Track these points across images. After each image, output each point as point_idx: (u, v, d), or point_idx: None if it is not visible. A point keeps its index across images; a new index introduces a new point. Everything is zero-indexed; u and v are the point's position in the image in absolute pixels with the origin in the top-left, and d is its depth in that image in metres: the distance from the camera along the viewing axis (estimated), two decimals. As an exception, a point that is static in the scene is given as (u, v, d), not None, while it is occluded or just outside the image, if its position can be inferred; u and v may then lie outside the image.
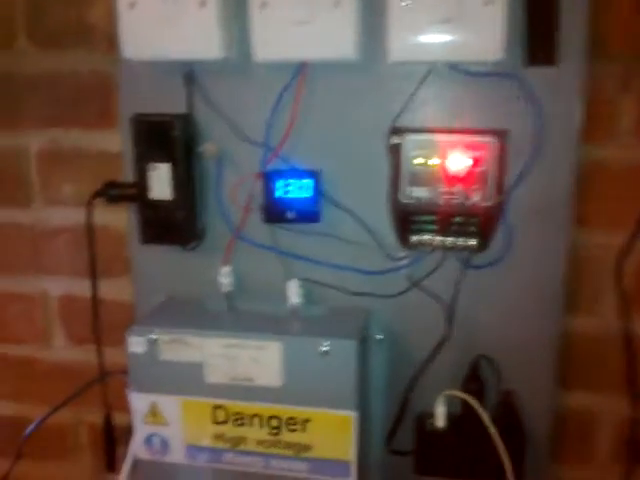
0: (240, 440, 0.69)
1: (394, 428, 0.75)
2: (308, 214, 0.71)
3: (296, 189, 0.70)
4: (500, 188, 0.65)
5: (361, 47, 0.65)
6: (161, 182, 0.69)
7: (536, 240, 0.69)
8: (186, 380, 0.67)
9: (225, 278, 0.72)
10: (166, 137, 0.69)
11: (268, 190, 0.70)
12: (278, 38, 0.64)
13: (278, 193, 0.70)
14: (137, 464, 0.74)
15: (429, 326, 0.72)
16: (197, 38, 0.65)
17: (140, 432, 0.70)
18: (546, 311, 0.71)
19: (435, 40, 0.61)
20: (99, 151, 0.78)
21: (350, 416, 0.66)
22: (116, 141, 0.75)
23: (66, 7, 0.75)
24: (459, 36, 0.61)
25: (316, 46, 0.64)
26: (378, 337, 0.73)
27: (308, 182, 0.70)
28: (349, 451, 0.67)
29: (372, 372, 0.73)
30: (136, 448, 0.71)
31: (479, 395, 0.70)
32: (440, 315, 0.71)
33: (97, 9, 0.75)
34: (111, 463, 0.83)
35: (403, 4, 0.60)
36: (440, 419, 0.70)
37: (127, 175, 0.72)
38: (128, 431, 0.74)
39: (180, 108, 0.70)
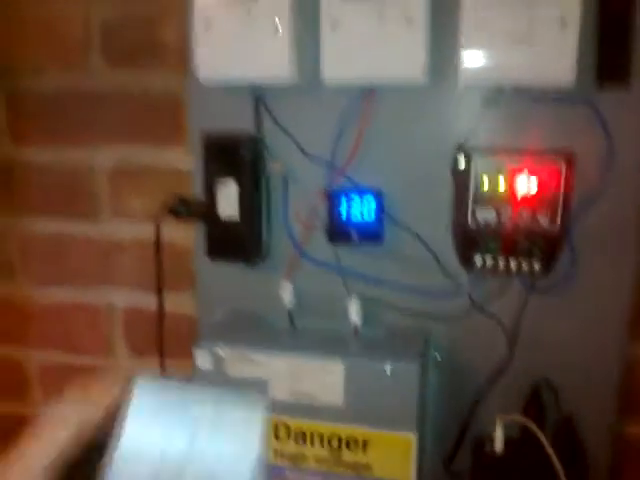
0: (300, 457, 0.69)
1: (454, 450, 0.74)
2: (371, 234, 0.71)
3: (360, 209, 0.71)
4: (567, 212, 0.65)
5: (430, 69, 0.66)
6: (229, 200, 0.71)
7: (601, 266, 0.68)
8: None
9: (287, 295, 0.73)
10: (235, 156, 0.70)
11: (332, 209, 0.71)
12: (348, 59, 0.66)
13: (342, 213, 0.71)
14: None
15: (490, 349, 0.72)
16: (269, 61, 0.67)
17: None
18: (609, 337, 0.70)
19: (506, 62, 0.61)
20: (167, 168, 0.81)
21: (410, 438, 0.66)
22: (184, 158, 0.78)
23: (139, 27, 0.78)
24: (531, 59, 0.61)
25: (385, 68, 0.65)
26: (437, 359, 0.73)
27: (372, 202, 0.71)
28: (409, 472, 0.67)
29: (430, 394, 0.73)
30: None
31: (539, 420, 0.69)
32: (501, 338, 0.71)
33: (169, 29, 0.78)
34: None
35: (481, 17, 0.60)
36: (499, 443, 0.70)
37: (194, 191, 0.75)
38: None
39: (248, 127, 0.72)
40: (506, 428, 0.69)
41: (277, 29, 0.65)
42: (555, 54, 0.60)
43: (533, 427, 0.67)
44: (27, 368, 0.95)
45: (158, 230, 0.73)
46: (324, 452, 0.68)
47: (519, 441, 0.70)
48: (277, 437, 0.69)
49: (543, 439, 0.67)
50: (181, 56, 0.75)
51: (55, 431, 0.30)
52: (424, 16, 0.62)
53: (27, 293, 0.92)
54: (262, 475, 0.24)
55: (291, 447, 0.69)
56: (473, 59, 0.62)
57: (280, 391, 0.67)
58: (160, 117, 0.80)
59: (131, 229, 0.84)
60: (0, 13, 0.83)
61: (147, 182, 0.82)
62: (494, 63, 0.62)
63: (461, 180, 0.66)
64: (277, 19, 0.65)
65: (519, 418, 0.68)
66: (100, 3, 0.79)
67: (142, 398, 0.24)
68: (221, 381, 0.67)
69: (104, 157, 0.83)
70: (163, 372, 0.79)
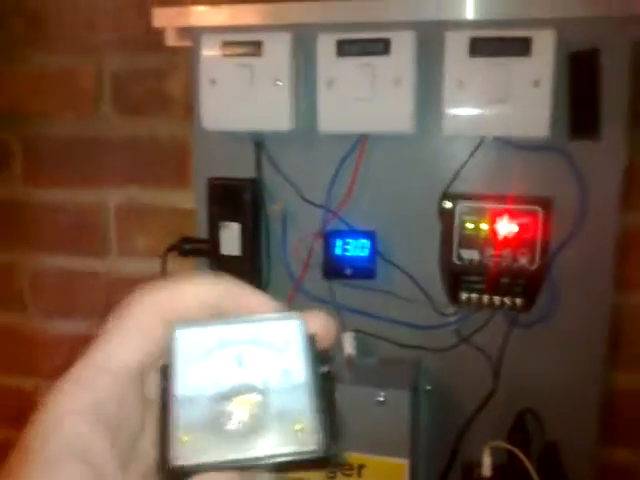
0: (298, 482, 0.73)
1: (444, 475, 0.78)
2: (364, 271, 0.76)
3: (353, 248, 0.76)
4: (545, 252, 0.70)
5: (416, 121, 0.71)
6: (231, 239, 0.76)
7: (580, 300, 0.73)
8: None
9: (286, 328, 0.78)
10: (237, 199, 0.76)
11: (328, 248, 0.76)
12: (341, 113, 0.71)
13: (337, 251, 0.76)
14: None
15: (476, 379, 0.76)
16: (269, 112, 0.73)
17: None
18: (590, 368, 0.74)
19: (486, 117, 0.67)
20: (173, 208, 0.86)
21: (403, 463, 0.70)
22: (189, 200, 0.83)
23: (147, 80, 0.84)
24: (509, 114, 0.67)
25: (376, 121, 0.71)
26: (427, 388, 0.78)
27: (364, 242, 0.76)
28: (401, 497, 0.71)
29: (421, 421, 0.77)
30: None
31: (524, 446, 0.73)
32: (487, 369, 0.75)
33: (174, 82, 0.84)
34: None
35: (462, 77, 0.66)
36: (487, 469, 0.74)
37: (198, 231, 0.80)
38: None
39: (249, 172, 0.78)
40: (493, 454, 0.73)
41: (277, 84, 0.71)
42: (530, 110, 0.66)
43: (519, 453, 0.71)
44: (36, 396, 0.99)
45: (164, 266, 0.78)
46: (321, 477, 0.72)
47: (506, 467, 0.74)
48: (276, 464, 0.73)
49: (528, 465, 0.71)
50: (186, 106, 0.81)
51: (144, 321, 0.24)
52: (412, 76, 0.68)
53: (37, 324, 0.96)
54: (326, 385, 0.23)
55: (290, 473, 0.73)
56: (455, 113, 0.68)
57: (279, 420, 0.71)
58: (166, 162, 0.85)
59: (137, 265, 0.89)
60: (18, 65, 0.89)
61: (153, 222, 0.87)
62: (474, 117, 0.68)
63: (447, 222, 0.72)
64: (278, 75, 0.71)
65: (505, 445, 0.73)
66: (111, 57, 0.85)
67: (184, 344, 0.23)
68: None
69: (113, 198, 0.88)
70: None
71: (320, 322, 0.24)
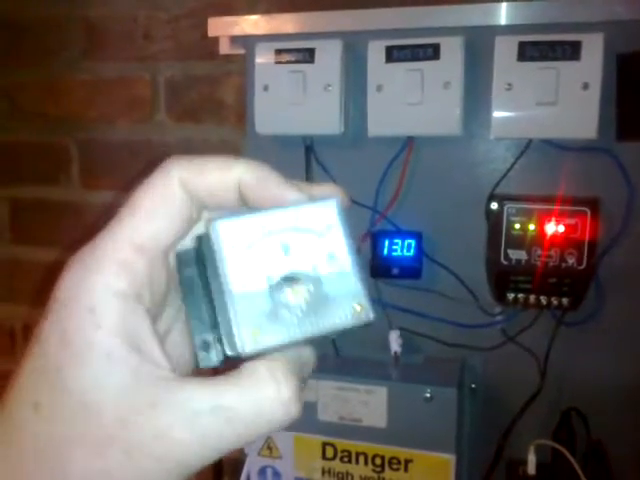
0: (346, 475, 0.75)
1: (488, 473, 0.80)
2: (410, 270, 0.78)
3: (400, 248, 0.78)
4: (593, 252, 0.71)
5: (464, 124, 0.73)
6: (282, 240, 0.79)
7: (627, 300, 0.73)
8: (301, 417, 0.74)
9: (334, 326, 0.80)
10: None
11: (375, 248, 0.78)
12: (390, 117, 0.74)
13: (384, 251, 0.78)
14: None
15: (522, 378, 0.77)
16: (320, 116, 0.75)
17: (254, 464, 0.78)
18: (636, 367, 0.74)
19: (534, 119, 0.69)
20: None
21: (449, 459, 0.71)
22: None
23: (200, 87, 0.88)
24: (557, 116, 0.68)
25: (425, 124, 0.73)
26: (472, 386, 0.79)
27: (411, 242, 0.78)
28: (448, 492, 0.72)
29: (466, 419, 0.79)
30: (251, 478, 0.79)
31: (569, 445, 0.74)
32: (533, 368, 0.76)
33: (227, 89, 0.87)
34: (219, 492, 0.91)
35: (510, 80, 0.68)
36: (532, 467, 0.74)
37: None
38: (235, 463, 0.82)
39: (299, 175, 0.80)
40: (538, 453, 0.74)
41: (328, 89, 0.74)
42: (579, 113, 0.67)
43: (564, 451, 0.72)
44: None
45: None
46: (368, 471, 0.74)
47: (550, 465, 0.74)
48: (325, 457, 0.75)
49: (574, 462, 0.71)
50: (238, 112, 0.84)
51: (171, 197, 0.23)
52: (460, 80, 0.70)
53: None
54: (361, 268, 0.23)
55: (338, 466, 0.75)
56: (503, 116, 0.69)
57: (327, 414, 0.74)
58: (218, 165, 0.88)
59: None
60: (76, 73, 0.93)
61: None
62: (522, 119, 0.69)
63: (494, 223, 0.73)
64: (329, 80, 0.74)
65: (551, 443, 0.73)
66: (166, 65, 0.89)
67: (225, 237, 0.22)
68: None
69: (167, 200, 0.92)
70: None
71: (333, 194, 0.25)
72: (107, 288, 0.21)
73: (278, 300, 0.22)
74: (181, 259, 0.24)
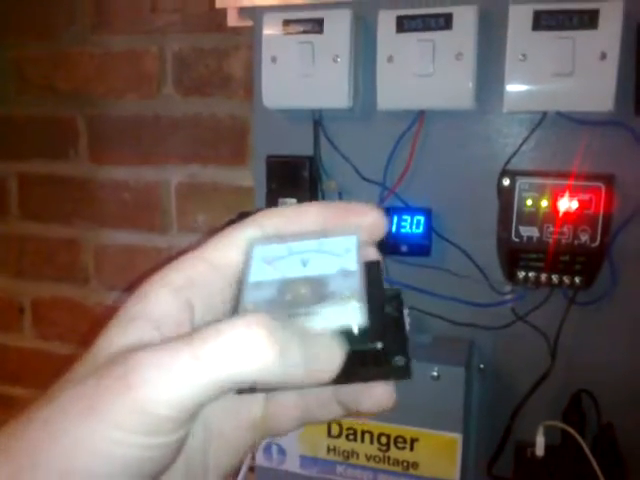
0: (351, 454, 0.75)
1: (496, 454, 0.78)
2: (419, 248, 0.77)
3: (409, 225, 0.76)
4: (607, 229, 0.69)
5: (477, 97, 0.71)
6: (289, 215, 0.78)
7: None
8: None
9: (341, 303, 0.79)
10: (296, 176, 0.77)
11: (383, 225, 0.77)
12: (401, 89, 0.72)
13: (393, 228, 0.77)
14: (253, 470, 0.81)
15: (532, 358, 0.76)
16: (329, 89, 0.74)
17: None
18: (648, 349, 0.73)
19: (549, 91, 0.67)
20: (232, 186, 0.88)
21: (456, 438, 0.70)
22: (248, 177, 0.85)
23: (208, 60, 0.87)
24: (572, 88, 0.66)
25: (436, 97, 0.71)
26: (481, 366, 0.78)
27: (420, 219, 0.76)
28: (454, 471, 0.71)
29: (474, 399, 0.77)
30: (256, 456, 0.79)
31: (579, 427, 0.72)
32: (543, 348, 0.75)
33: (235, 62, 0.85)
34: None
35: (525, 51, 0.66)
36: (540, 448, 0.73)
37: (256, 207, 0.81)
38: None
39: (307, 150, 0.79)
40: (547, 434, 0.72)
41: (337, 61, 0.72)
42: (596, 84, 0.65)
43: (574, 433, 0.71)
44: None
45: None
46: (374, 449, 0.73)
47: (560, 447, 0.73)
48: (330, 434, 0.75)
49: (583, 445, 0.70)
50: (247, 86, 0.83)
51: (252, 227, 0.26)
52: (473, 51, 0.68)
53: (99, 298, 1.00)
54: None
55: (343, 444, 0.74)
56: (517, 88, 0.67)
57: (335, 391, 0.73)
58: (226, 140, 0.87)
59: (196, 241, 0.91)
60: (83, 47, 0.92)
61: (213, 199, 0.90)
62: (536, 91, 0.67)
63: (505, 199, 0.71)
64: (338, 51, 0.72)
65: (560, 424, 0.72)
66: (174, 38, 0.87)
67: (258, 254, 0.25)
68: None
69: (174, 176, 0.91)
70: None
71: (371, 219, 0.27)
72: (163, 280, 0.24)
73: (283, 290, 0.24)
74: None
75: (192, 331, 0.23)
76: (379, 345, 0.24)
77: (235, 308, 0.24)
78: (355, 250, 0.26)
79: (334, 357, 0.22)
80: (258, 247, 0.26)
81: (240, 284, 0.25)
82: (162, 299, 0.23)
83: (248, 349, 0.21)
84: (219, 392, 0.21)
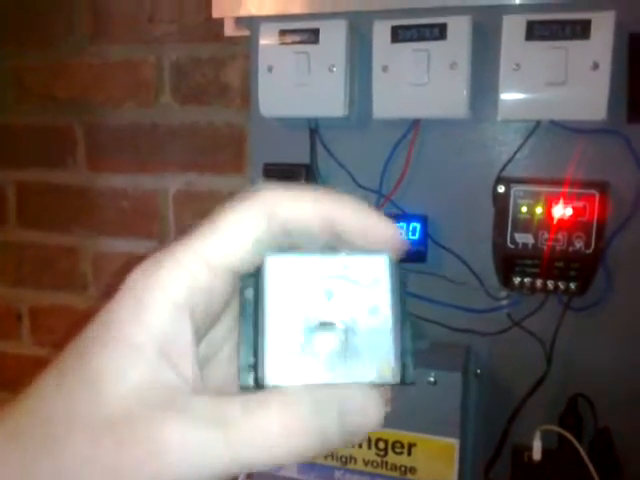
0: (349, 459, 0.75)
1: (493, 459, 0.79)
2: (416, 254, 0.77)
3: (405, 232, 0.77)
4: (601, 236, 0.70)
5: (471, 105, 0.72)
6: (286, 223, 0.78)
7: (635, 285, 0.72)
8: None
9: (338, 310, 0.80)
10: (292, 183, 0.78)
11: (380, 232, 0.77)
12: (396, 98, 0.73)
13: (389, 235, 0.77)
14: (250, 477, 0.81)
15: (528, 363, 0.76)
16: (325, 98, 0.74)
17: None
18: (643, 354, 0.74)
19: (543, 100, 0.68)
20: (229, 193, 0.89)
21: (453, 443, 0.71)
22: (244, 185, 0.86)
23: (205, 69, 0.87)
24: (565, 97, 0.66)
25: (431, 105, 0.72)
26: (477, 372, 0.78)
27: (416, 225, 0.77)
28: (451, 476, 0.72)
29: (471, 405, 0.78)
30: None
31: (576, 431, 0.73)
32: (539, 353, 0.75)
33: (232, 71, 0.86)
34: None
35: (518, 60, 0.67)
36: (537, 452, 0.74)
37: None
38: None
39: (304, 158, 0.80)
40: (544, 439, 0.73)
41: (332, 70, 0.73)
42: (588, 94, 0.65)
43: (570, 437, 0.71)
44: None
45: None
46: (372, 454, 0.74)
47: (557, 452, 0.74)
48: (329, 441, 0.75)
49: (580, 449, 0.71)
50: (243, 95, 0.83)
51: (249, 219, 0.23)
52: (467, 61, 0.69)
53: (98, 306, 1.00)
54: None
55: (341, 449, 0.75)
56: (511, 97, 0.68)
57: (333, 398, 0.73)
58: (223, 149, 0.88)
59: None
60: (82, 56, 0.93)
61: (210, 206, 0.90)
62: (530, 100, 0.68)
63: (501, 206, 0.72)
64: (333, 61, 0.73)
65: (557, 428, 0.73)
66: (171, 47, 0.88)
67: (274, 272, 0.22)
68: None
69: (172, 184, 0.92)
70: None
71: (394, 234, 0.24)
72: (165, 293, 0.21)
73: (309, 342, 0.22)
74: (243, 280, 0.24)
75: (220, 405, 0.20)
76: (413, 382, 0.23)
77: (260, 360, 0.22)
78: (387, 280, 0.23)
79: (373, 418, 0.22)
80: (271, 260, 0.23)
81: (257, 316, 0.22)
82: (164, 315, 0.21)
83: (284, 442, 0.20)
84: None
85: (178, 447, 0.19)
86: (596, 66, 0.65)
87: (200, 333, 0.22)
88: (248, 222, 0.23)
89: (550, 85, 0.66)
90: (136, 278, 0.22)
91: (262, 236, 0.23)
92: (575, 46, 0.65)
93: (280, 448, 0.20)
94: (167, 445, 0.19)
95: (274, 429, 0.20)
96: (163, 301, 0.21)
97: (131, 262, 0.23)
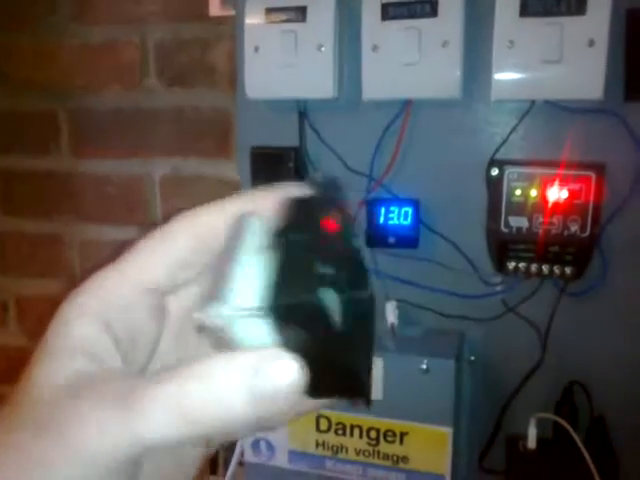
0: (341, 448, 0.74)
1: (487, 447, 0.78)
2: (407, 239, 0.75)
3: (396, 216, 0.75)
4: (597, 219, 0.68)
5: (464, 85, 0.70)
6: (275, 208, 0.76)
7: (631, 270, 0.71)
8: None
9: (328, 297, 0.78)
10: (281, 167, 0.76)
11: (371, 217, 0.75)
12: (386, 79, 0.70)
13: (380, 220, 0.75)
14: (242, 467, 0.80)
15: (522, 350, 0.75)
16: (313, 79, 0.72)
17: (248, 437, 0.77)
18: (639, 339, 0.72)
19: (537, 79, 0.65)
20: (215, 178, 0.87)
21: (446, 431, 0.69)
22: (231, 169, 0.84)
23: (190, 51, 0.85)
24: (561, 75, 0.64)
25: (422, 86, 0.69)
26: (471, 359, 0.77)
27: (408, 210, 0.75)
28: (444, 465, 0.70)
29: (465, 392, 0.77)
30: (245, 451, 0.78)
31: (571, 419, 0.72)
32: (534, 340, 0.74)
33: (218, 53, 0.84)
34: (214, 466, 0.90)
35: (512, 38, 0.65)
36: (532, 441, 0.73)
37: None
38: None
39: (292, 141, 0.77)
40: (539, 427, 0.72)
41: (321, 50, 0.71)
42: (584, 71, 0.63)
43: (566, 425, 0.70)
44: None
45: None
46: (363, 443, 0.72)
47: (552, 440, 0.73)
48: (319, 429, 0.74)
49: (576, 437, 0.69)
50: (230, 77, 0.81)
51: (170, 240, 0.24)
52: (460, 39, 0.67)
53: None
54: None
55: (332, 438, 0.73)
56: (504, 76, 0.66)
57: (323, 387, 0.72)
58: (209, 132, 0.86)
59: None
60: (63, 38, 0.90)
61: (197, 192, 0.88)
62: (525, 79, 0.66)
63: (494, 189, 0.70)
64: (321, 40, 0.70)
65: (552, 416, 0.71)
66: (155, 28, 0.85)
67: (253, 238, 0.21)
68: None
69: (158, 169, 0.90)
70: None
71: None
72: (82, 309, 0.23)
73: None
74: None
75: (128, 386, 0.21)
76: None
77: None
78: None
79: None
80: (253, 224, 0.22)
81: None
82: (84, 328, 0.22)
83: (180, 422, 0.19)
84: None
85: (82, 426, 0.20)
86: (592, 43, 0.62)
87: (121, 339, 0.23)
88: (168, 243, 0.24)
89: (545, 63, 0.64)
90: (67, 299, 0.23)
91: (183, 255, 0.24)
92: (571, 22, 0.63)
93: (181, 428, 0.19)
94: (72, 425, 0.20)
95: (172, 408, 0.19)
96: (80, 314, 0.23)
97: (118, 249, 0.24)
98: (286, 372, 0.19)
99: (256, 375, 0.19)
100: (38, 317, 1.01)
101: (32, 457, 0.20)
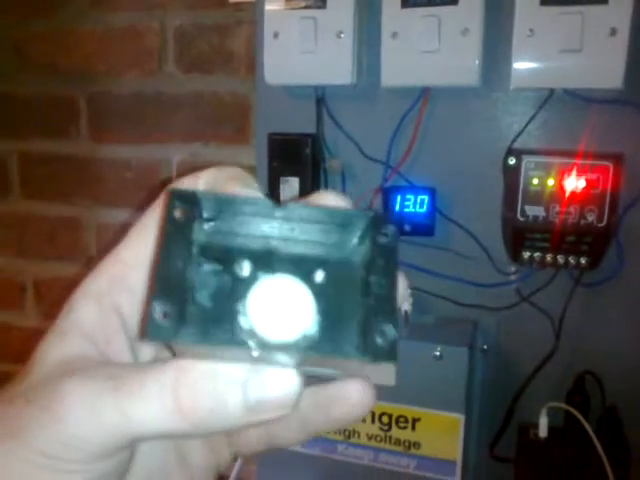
0: (352, 433, 0.74)
1: (498, 435, 0.78)
2: (423, 228, 0.76)
3: (413, 204, 0.75)
4: (614, 210, 0.68)
5: (483, 73, 0.70)
6: (291, 193, 0.77)
7: (647, 261, 0.71)
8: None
9: (343, 284, 0.79)
10: (298, 154, 0.76)
11: (387, 204, 0.76)
12: (405, 65, 0.70)
13: (396, 207, 0.76)
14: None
15: (536, 339, 0.75)
16: (332, 66, 0.72)
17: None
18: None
19: (557, 68, 0.65)
20: (234, 164, 0.87)
21: (458, 418, 0.70)
22: (249, 155, 0.84)
23: (209, 37, 0.85)
24: (581, 65, 0.64)
25: (441, 73, 0.70)
26: (484, 347, 0.77)
27: (424, 198, 0.75)
28: (456, 451, 0.71)
29: (477, 380, 0.77)
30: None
31: (583, 409, 0.72)
32: (548, 329, 0.74)
33: (237, 39, 0.84)
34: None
35: (533, 26, 0.64)
36: (543, 429, 0.73)
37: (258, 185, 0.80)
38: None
39: (309, 128, 0.78)
40: (550, 416, 0.72)
41: (340, 37, 0.71)
42: (605, 61, 0.63)
43: (577, 414, 0.70)
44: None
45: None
46: (375, 429, 0.73)
47: (563, 429, 0.73)
48: (332, 414, 0.74)
49: (587, 427, 0.70)
50: (249, 63, 0.81)
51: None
52: (480, 27, 0.67)
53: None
54: None
55: (345, 424, 0.74)
56: (524, 65, 0.66)
57: (336, 371, 0.72)
58: (228, 118, 0.86)
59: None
60: (83, 24, 0.91)
61: (215, 177, 0.89)
62: (544, 68, 0.66)
63: (511, 178, 0.70)
64: (341, 27, 0.71)
65: (563, 405, 0.72)
66: (175, 14, 0.86)
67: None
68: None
69: (175, 154, 0.90)
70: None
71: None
72: (91, 287, 0.24)
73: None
74: None
75: (122, 368, 0.21)
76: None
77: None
78: None
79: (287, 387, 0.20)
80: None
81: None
82: (89, 309, 0.23)
83: (172, 410, 0.19)
84: (145, 439, 0.21)
85: (71, 401, 0.20)
86: (614, 32, 0.62)
87: (129, 322, 0.23)
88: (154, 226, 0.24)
89: (565, 52, 0.64)
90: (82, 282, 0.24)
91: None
92: (592, 11, 0.62)
93: (175, 415, 0.19)
94: (60, 399, 0.20)
95: (166, 394, 0.19)
96: (84, 296, 0.23)
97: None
98: (282, 376, 0.19)
99: (255, 371, 0.19)
100: (55, 299, 1.03)
101: (14, 427, 0.20)
